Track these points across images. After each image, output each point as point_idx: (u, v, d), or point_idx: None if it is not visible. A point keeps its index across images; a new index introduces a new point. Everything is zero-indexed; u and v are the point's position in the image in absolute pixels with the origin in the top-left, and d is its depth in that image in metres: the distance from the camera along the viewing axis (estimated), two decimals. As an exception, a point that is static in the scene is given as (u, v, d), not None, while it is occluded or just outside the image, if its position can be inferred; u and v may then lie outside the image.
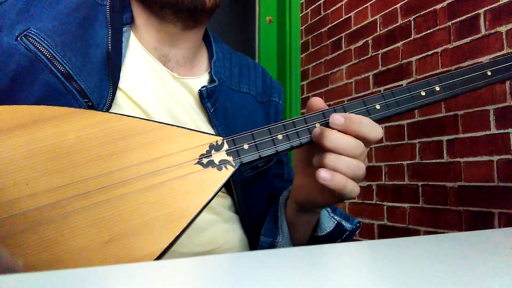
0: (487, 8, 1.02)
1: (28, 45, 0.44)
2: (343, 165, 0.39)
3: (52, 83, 0.44)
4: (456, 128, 1.08)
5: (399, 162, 1.25)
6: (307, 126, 0.42)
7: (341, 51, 1.56)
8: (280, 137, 0.41)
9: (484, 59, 1.01)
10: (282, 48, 1.76)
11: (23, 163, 0.34)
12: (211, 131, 0.54)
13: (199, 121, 0.54)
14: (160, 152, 0.37)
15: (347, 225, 0.52)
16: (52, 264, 0.32)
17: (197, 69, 0.59)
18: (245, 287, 0.19)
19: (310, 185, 0.45)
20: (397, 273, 0.21)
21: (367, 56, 1.42)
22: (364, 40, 1.45)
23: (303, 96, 1.75)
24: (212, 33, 0.64)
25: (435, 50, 1.16)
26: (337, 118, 0.40)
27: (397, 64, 1.29)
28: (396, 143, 1.26)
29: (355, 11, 1.50)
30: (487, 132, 1.00)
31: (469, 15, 1.07)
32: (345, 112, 0.42)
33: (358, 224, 0.53)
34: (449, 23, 1.12)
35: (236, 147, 0.40)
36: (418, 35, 1.22)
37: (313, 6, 1.75)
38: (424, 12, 1.21)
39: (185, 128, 0.39)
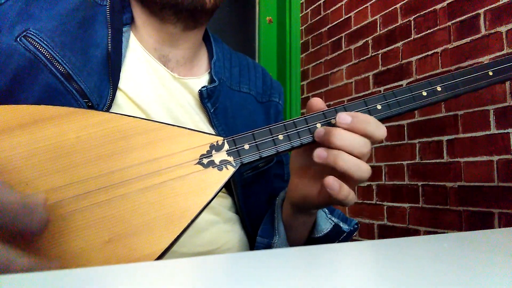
0: (487, 8, 1.02)
1: (27, 45, 0.44)
2: (353, 167, 0.39)
3: (52, 83, 0.44)
4: (456, 128, 1.08)
5: (399, 162, 1.25)
6: (308, 126, 0.42)
7: (341, 51, 1.56)
8: (281, 137, 0.41)
9: (484, 59, 1.02)
10: (282, 48, 1.76)
11: (23, 163, 0.34)
12: (211, 131, 0.54)
13: (199, 121, 0.54)
14: (161, 152, 0.37)
15: (344, 227, 0.52)
16: (52, 264, 0.32)
17: (197, 69, 0.59)
18: (245, 287, 0.19)
19: (306, 186, 0.45)
20: (397, 273, 0.21)
21: (367, 56, 1.42)
22: (364, 40, 1.45)
23: (303, 96, 1.75)
24: (212, 33, 0.64)
25: (435, 50, 1.16)
26: (344, 117, 0.40)
27: (397, 64, 1.29)
28: (396, 143, 1.26)
29: (355, 11, 1.50)
30: (487, 132, 1.00)
31: (469, 15, 1.07)
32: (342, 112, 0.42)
33: (356, 226, 0.53)
34: (449, 23, 1.12)
35: (236, 147, 0.40)
36: (418, 35, 1.22)
37: (313, 6, 1.75)
38: (424, 12, 1.21)
39: (185, 128, 0.39)
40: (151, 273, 0.22)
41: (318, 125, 0.42)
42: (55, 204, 0.34)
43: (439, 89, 0.45)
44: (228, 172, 0.39)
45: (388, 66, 1.32)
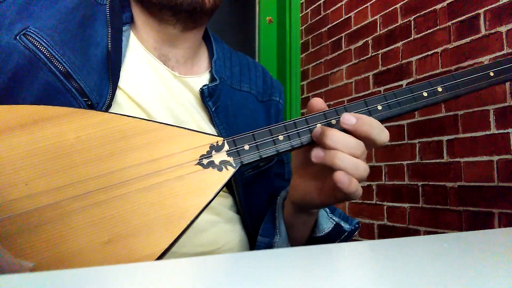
0: (487, 8, 1.02)
1: (27, 43, 0.44)
2: (351, 166, 0.39)
3: (51, 82, 0.44)
4: (456, 128, 1.08)
5: (399, 162, 1.25)
6: (308, 127, 0.42)
7: (341, 51, 1.56)
8: (281, 137, 0.41)
9: (484, 59, 1.01)
10: (282, 48, 1.76)
11: (23, 163, 0.34)
12: (213, 130, 0.54)
13: (200, 120, 0.54)
14: (161, 152, 0.37)
15: (345, 226, 0.52)
16: (52, 264, 0.32)
17: (197, 68, 0.59)
18: (245, 287, 0.19)
19: (307, 185, 0.45)
20: (397, 273, 0.21)
21: (367, 56, 1.42)
22: (364, 40, 1.44)
23: (303, 96, 1.75)
24: (211, 32, 0.64)
25: (435, 50, 1.16)
26: (348, 118, 0.40)
27: (397, 64, 1.29)
28: (396, 143, 1.26)
29: (355, 11, 1.50)
30: (487, 132, 1.00)
31: (469, 15, 1.07)
32: (347, 113, 0.42)
33: (357, 225, 0.53)
34: (449, 23, 1.12)
35: (236, 148, 0.40)
36: (418, 35, 1.22)
37: (313, 6, 1.75)
38: (424, 12, 1.21)
39: (185, 128, 0.39)
40: (151, 273, 0.22)
41: (319, 125, 0.42)
42: (54, 204, 0.34)
43: (440, 89, 0.45)
44: (228, 172, 0.39)
45: (388, 66, 1.32)
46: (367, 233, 1.35)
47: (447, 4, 1.13)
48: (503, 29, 0.98)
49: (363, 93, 1.43)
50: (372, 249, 0.29)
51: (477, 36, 1.04)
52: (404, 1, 1.28)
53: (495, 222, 0.96)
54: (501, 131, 0.97)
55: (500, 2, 0.99)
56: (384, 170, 1.30)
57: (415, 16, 1.23)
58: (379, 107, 0.43)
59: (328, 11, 1.65)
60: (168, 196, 0.36)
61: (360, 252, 0.29)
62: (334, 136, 0.39)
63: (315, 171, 0.45)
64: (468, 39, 1.06)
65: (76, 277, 0.20)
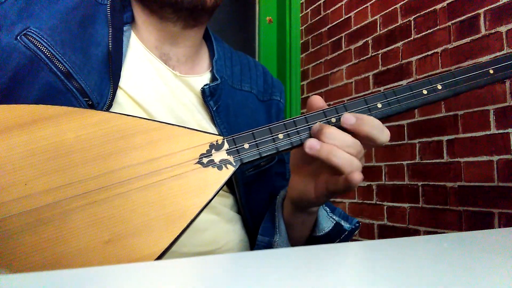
0: (487, 8, 1.02)
1: (27, 43, 0.44)
2: (346, 163, 0.39)
3: (52, 81, 0.44)
4: (456, 128, 1.08)
5: (399, 162, 1.25)
6: (308, 125, 0.42)
7: (341, 51, 1.56)
8: (280, 136, 0.41)
9: (484, 59, 1.01)
10: (282, 48, 1.76)
11: (22, 163, 0.34)
12: (214, 129, 0.54)
13: (202, 119, 0.54)
14: (160, 151, 0.37)
15: (345, 225, 0.52)
16: (52, 264, 0.32)
17: (198, 67, 0.59)
18: (245, 287, 0.18)
19: (304, 184, 0.45)
20: (397, 273, 0.21)
21: (367, 56, 1.42)
22: (364, 40, 1.45)
23: (303, 96, 1.75)
24: (212, 32, 0.64)
25: (435, 50, 1.16)
26: (348, 117, 0.40)
27: (397, 64, 1.29)
28: (396, 143, 1.26)
29: (355, 11, 1.50)
30: (487, 132, 1.00)
31: (469, 15, 1.07)
32: (347, 111, 0.42)
33: (357, 224, 0.53)
34: (449, 23, 1.12)
35: (236, 147, 0.40)
36: (418, 35, 1.22)
37: (313, 6, 1.75)
38: (424, 12, 1.21)
39: (185, 127, 0.39)
40: (151, 273, 0.22)
41: (317, 123, 0.42)
42: (54, 204, 0.34)
43: (439, 87, 0.45)
44: (228, 171, 0.39)
45: (388, 66, 1.32)
46: (367, 233, 1.35)
47: (447, 4, 1.13)
48: (503, 29, 0.98)
49: (363, 93, 1.43)
50: (372, 249, 0.29)
51: (477, 36, 1.04)
52: (404, 1, 1.28)
53: (495, 222, 0.96)
54: (501, 131, 0.97)
55: (500, 2, 0.99)
56: (384, 170, 1.30)
57: (415, 16, 1.23)
58: (379, 105, 0.43)
59: (328, 11, 1.65)
60: (168, 195, 0.36)
61: (360, 252, 0.29)
62: (331, 134, 0.39)
63: (312, 169, 0.45)
64: (468, 39, 1.06)
65: (76, 277, 0.20)
